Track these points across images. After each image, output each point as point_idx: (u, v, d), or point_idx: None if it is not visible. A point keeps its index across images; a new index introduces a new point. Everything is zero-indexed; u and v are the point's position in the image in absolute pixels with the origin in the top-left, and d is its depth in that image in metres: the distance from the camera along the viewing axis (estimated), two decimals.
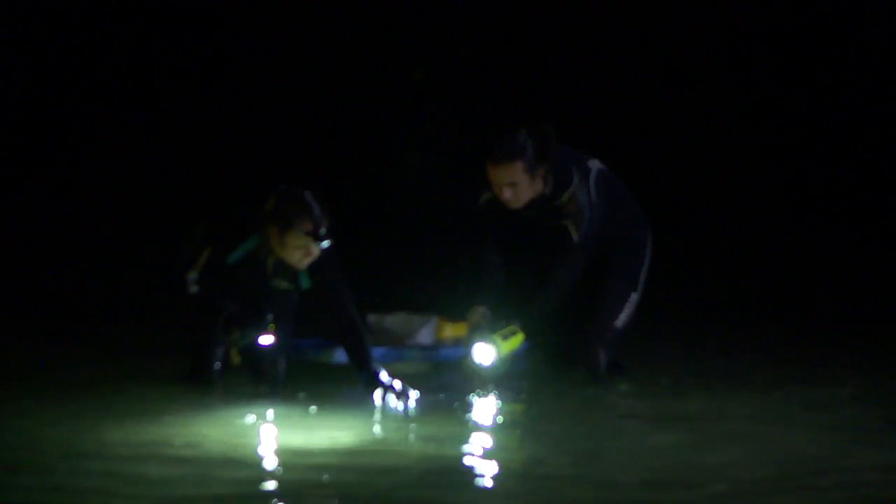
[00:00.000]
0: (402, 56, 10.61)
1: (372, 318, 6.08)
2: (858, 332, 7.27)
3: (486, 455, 4.31)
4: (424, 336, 6.04)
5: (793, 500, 3.74)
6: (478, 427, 4.85)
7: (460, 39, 10.60)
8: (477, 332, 5.55)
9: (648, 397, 5.39)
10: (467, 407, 5.18)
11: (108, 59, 10.44)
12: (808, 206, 10.16)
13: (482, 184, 5.58)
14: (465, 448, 4.38)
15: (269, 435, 4.59)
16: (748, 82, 10.52)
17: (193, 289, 5.15)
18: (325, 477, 3.94)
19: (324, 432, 4.62)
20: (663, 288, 6.27)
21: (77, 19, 10.35)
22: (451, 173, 9.26)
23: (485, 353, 5.49)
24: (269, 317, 5.17)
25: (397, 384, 5.20)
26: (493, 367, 5.52)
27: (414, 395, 5.20)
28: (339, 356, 5.54)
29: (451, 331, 6.09)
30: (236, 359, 5.19)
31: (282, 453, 4.30)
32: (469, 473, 4.05)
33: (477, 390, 5.50)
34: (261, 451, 4.33)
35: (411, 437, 4.62)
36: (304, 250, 5.13)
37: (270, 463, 4.17)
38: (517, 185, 5.46)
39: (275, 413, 4.93)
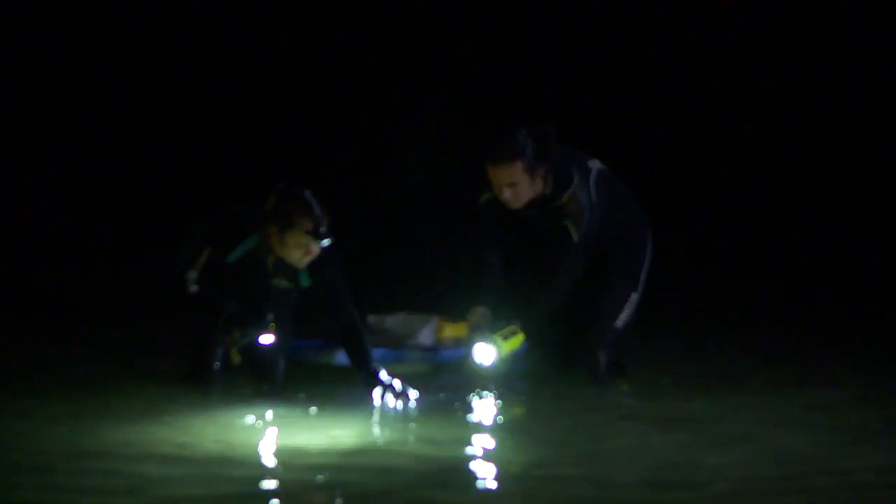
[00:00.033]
0: (402, 56, 10.61)
1: (372, 318, 6.08)
2: (858, 333, 7.26)
3: (487, 456, 4.31)
4: (425, 337, 6.04)
5: (793, 501, 3.74)
6: (478, 428, 4.84)
7: (460, 39, 10.60)
8: (477, 332, 5.55)
9: (649, 398, 5.38)
10: (467, 407, 5.18)
11: (108, 59, 10.44)
12: (807, 205, 10.15)
13: (482, 184, 5.58)
14: (466, 449, 4.38)
15: (269, 435, 4.59)
16: (748, 82, 10.52)
17: (193, 288, 5.15)
18: (320, 477, 3.94)
19: (323, 433, 4.62)
20: (663, 288, 6.26)
21: (76, 19, 10.35)
22: (451, 173, 9.25)
23: (485, 354, 5.49)
24: (270, 316, 5.17)
25: (397, 384, 5.20)
26: (494, 367, 5.52)
27: (413, 394, 5.20)
28: (340, 358, 5.54)
29: (451, 331, 6.09)
30: (236, 358, 5.18)
31: (281, 453, 4.30)
32: (469, 474, 4.04)
33: (477, 390, 5.50)
34: (260, 451, 4.33)
35: (411, 437, 4.62)
36: (305, 249, 5.12)
37: (270, 463, 4.17)
38: (517, 185, 5.46)
39: (275, 413, 4.93)
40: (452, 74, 10.51)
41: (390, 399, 5.16)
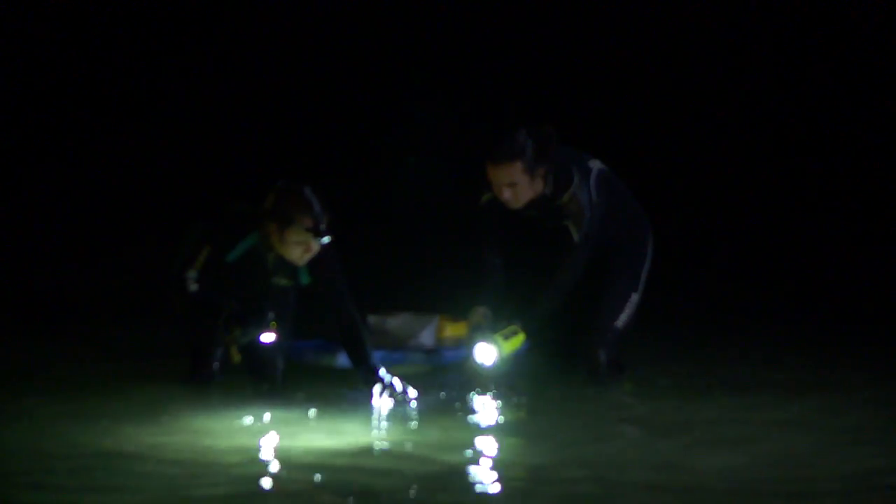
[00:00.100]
0: (402, 56, 10.61)
1: (372, 319, 6.08)
2: (859, 333, 7.26)
3: (487, 457, 4.30)
4: (426, 337, 6.04)
5: None
6: (478, 428, 4.84)
7: (460, 39, 10.60)
8: (478, 332, 5.55)
9: (649, 398, 5.38)
10: (468, 407, 5.18)
11: (108, 59, 10.44)
12: (809, 206, 10.15)
13: (483, 184, 5.58)
14: (466, 450, 4.37)
15: (269, 436, 4.58)
16: (748, 82, 10.51)
17: (193, 287, 5.15)
18: (319, 478, 3.94)
19: (323, 433, 4.61)
20: (664, 288, 6.26)
21: (76, 18, 10.35)
22: (451, 173, 9.25)
23: (486, 353, 5.49)
24: (271, 315, 5.17)
25: (396, 383, 5.20)
26: (495, 367, 5.52)
27: (413, 393, 5.20)
28: (342, 360, 5.54)
29: (451, 330, 6.10)
30: (236, 357, 5.18)
31: (281, 454, 4.30)
32: (470, 476, 4.04)
33: (477, 389, 5.50)
34: (260, 451, 4.33)
35: (411, 438, 4.61)
36: (305, 246, 5.12)
37: (270, 464, 4.17)
38: (517, 186, 5.46)
39: (274, 414, 4.93)
40: (452, 74, 10.51)
41: (391, 396, 5.16)
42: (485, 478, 4.00)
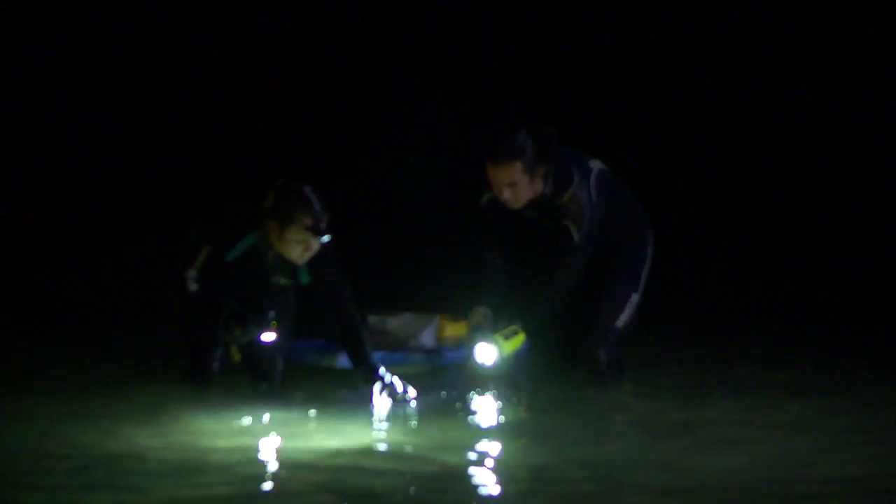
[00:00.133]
0: (402, 55, 10.61)
1: (373, 319, 6.08)
2: (860, 334, 7.24)
3: (488, 458, 4.30)
4: (426, 338, 6.04)
5: None
6: (479, 429, 4.84)
7: (460, 39, 10.60)
8: (479, 332, 5.55)
9: (649, 399, 5.37)
10: (468, 407, 5.18)
11: (108, 59, 10.44)
12: (809, 206, 10.14)
13: (483, 184, 5.58)
14: (467, 451, 4.37)
15: (269, 436, 4.58)
16: (749, 82, 10.51)
17: (193, 287, 5.14)
18: (320, 479, 3.94)
19: (323, 434, 4.61)
20: (664, 289, 6.26)
21: (76, 18, 10.35)
22: (451, 173, 9.25)
23: (487, 353, 5.49)
24: (271, 314, 5.16)
25: (396, 382, 5.19)
26: (495, 367, 5.52)
27: (412, 393, 5.19)
28: (342, 360, 5.53)
29: (452, 330, 6.10)
30: (236, 356, 5.18)
31: (281, 455, 4.30)
32: (471, 477, 4.04)
33: (477, 389, 5.50)
34: (260, 452, 4.33)
35: (411, 439, 4.61)
36: (304, 245, 5.12)
37: (270, 464, 4.17)
38: (516, 186, 5.46)
39: (274, 414, 4.92)
40: (452, 74, 10.51)
41: (390, 395, 5.15)
42: (486, 478, 4.00)
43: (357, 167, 10.28)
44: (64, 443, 4.40)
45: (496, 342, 5.47)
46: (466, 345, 5.64)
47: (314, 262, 5.21)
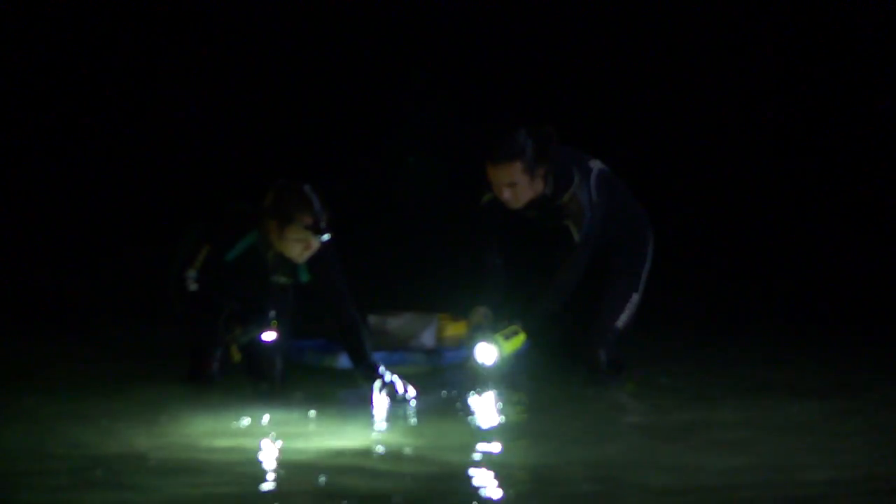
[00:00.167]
0: (402, 55, 10.61)
1: (373, 319, 6.08)
2: (867, 334, 7.24)
3: (488, 460, 4.30)
4: (427, 338, 6.04)
5: None
6: (480, 430, 4.84)
7: (460, 38, 10.60)
8: (479, 332, 5.55)
9: (649, 399, 5.37)
10: (469, 408, 5.17)
11: (108, 59, 10.44)
12: (809, 206, 10.14)
13: (484, 184, 5.58)
14: (468, 451, 4.37)
15: (269, 437, 4.58)
16: (749, 82, 10.51)
17: (193, 287, 5.14)
18: (321, 480, 3.93)
19: (324, 434, 4.61)
20: (664, 289, 6.26)
21: (76, 17, 10.35)
22: (451, 173, 9.25)
23: (487, 353, 5.49)
24: (272, 313, 5.16)
25: (396, 380, 5.18)
26: (495, 367, 5.52)
27: (412, 392, 5.18)
28: (343, 360, 5.53)
29: (452, 329, 6.10)
30: (237, 356, 5.17)
31: (281, 456, 4.29)
32: (472, 478, 4.03)
33: (478, 389, 5.50)
34: (260, 452, 4.32)
35: (412, 439, 4.60)
36: (304, 244, 5.12)
37: (270, 465, 4.16)
38: (516, 186, 5.45)
39: (274, 415, 4.92)
40: (452, 74, 10.51)
41: (390, 394, 5.14)
42: (486, 479, 3.99)
43: (357, 167, 10.28)
44: (64, 443, 4.40)
45: (496, 342, 5.47)
46: (466, 345, 5.64)
47: (314, 261, 5.21)
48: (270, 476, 4.00)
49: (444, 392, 5.41)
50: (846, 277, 9.08)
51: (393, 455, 4.29)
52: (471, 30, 10.66)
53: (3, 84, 10.15)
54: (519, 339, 5.52)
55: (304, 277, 5.28)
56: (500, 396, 5.43)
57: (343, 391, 5.39)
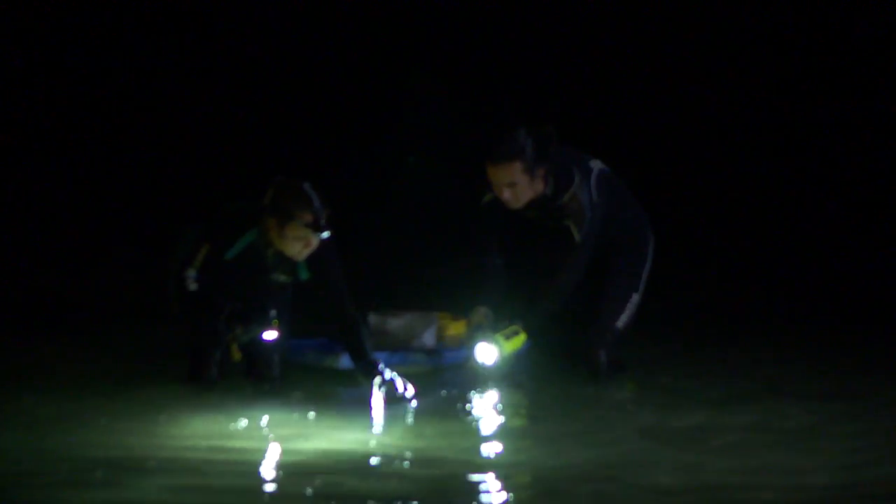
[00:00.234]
0: (402, 55, 10.61)
1: (373, 318, 6.08)
2: (868, 335, 7.22)
3: (489, 459, 4.30)
4: (428, 338, 6.04)
5: None
6: (480, 430, 4.83)
7: (461, 38, 10.60)
8: (479, 332, 5.56)
9: (649, 399, 5.36)
10: (469, 408, 5.17)
11: (109, 59, 10.44)
12: (816, 206, 10.13)
13: (484, 185, 5.58)
14: (468, 452, 4.36)
15: (268, 438, 4.58)
16: (749, 82, 10.51)
17: (193, 286, 5.14)
18: (319, 481, 3.93)
19: (324, 436, 4.60)
20: (665, 289, 6.26)
21: (75, 17, 10.35)
22: (451, 173, 9.25)
23: (487, 353, 5.49)
24: (273, 312, 5.15)
25: (396, 378, 5.18)
26: (496, 366, 5.52)
27: (411, 391, 5.17)
28: (344, 361, 5.53)
29: (452, 329, 6.11)
30: (237, 355, 5.17)
31: (280, 457, 4.29)
32: (472, 479, 4.03)
33: (478, 388, 5.50)
34: (259, 454, 4.32)
35: (412, 440, 4.60)
36: (304, 242, 5.11)
37: (269, 466, 4.16)
38: (516, 186, 5.46)
39: (274, 416, 4.92)
40: (453, 74, 10.51)
41: (389, 393, 5.13)
42: (486, 480, 3.99)
43: (357, 167, 10.27)
44: (64, 443, 4.40)
45: (497, 342, 5.48)
46: (467, 344, 5.65)
47: (313, 259, 5.21)
48: (270, 477, 4.00)
49: (443, 392, 5.41)
50: (847, 278, 9.07)
51: (392, 456, 4.29)
52: (471, 30, 10.66)
53: (3, 84, 10.15)
54: (519, 339, 5.52)
55: (304, 275, 5.27)
56: (500, 397, 5.43)
57: (343, 391, 5.39)
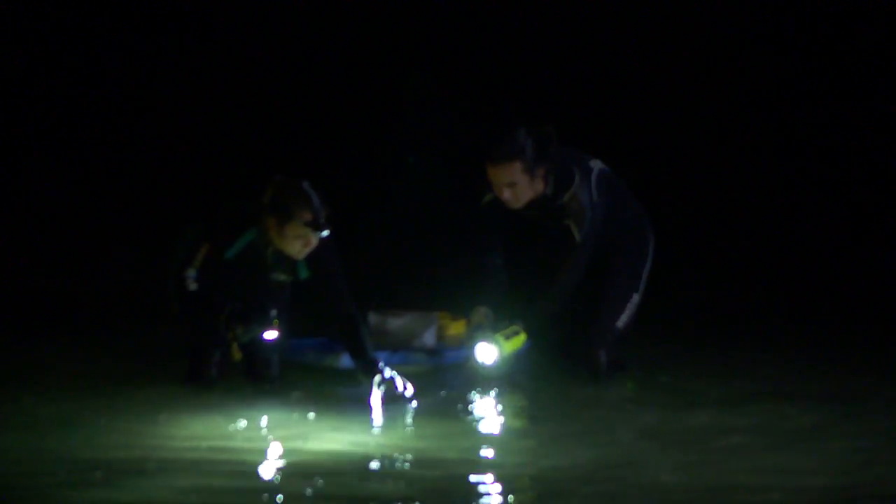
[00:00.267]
0: (402, 55, 10.61)
1: (373, 317, 6.07)
2: (869, 336, 7.22)
3: (489, 460, 4.30)
4: (428, 338, 6.04)
5: None
6: (480, 432, 4.83)
7: (461, 38, 10.60)
8: (479, 331, 5.55)
9: (650, 399, 5.36)
10: (469, 408, 5.17)
11: (109, 59, 10.44)
12: (816, 206, 10.13)
13: (485, 185, 5.58)
14: (468, 453, 4.36)
15: (268, 438, 4.58)
16: (749, 82, 10.51)
17: (192, 286, 5.13)
18: (321, 482, 3.93)
19: (324, 436, 4.60)
20: (665, 289, 6.25)
21: (75, 17, 10.35)
22: (451, 173, 9.24)
23: (487, 353, 5.49)
24: (274, 312, 5.15)
25: (396, 377, 5.17)
26: (496, 366, 5.52)
27: (411, 390, 5.17)
28: (345, 360, 5.53)
29: (453, 329, 6.10)
30: (237, 355, 5.16)
31: (280, 457, 4.29)
32: (472, 479, 4.03)
33: (478, 388, 5.50)
34: (259, 453, 4.32)
35: (412, 440, 4.60)
36: (304, 240, 5.11)
37: (268, 467, 4.16)
38: (516, 186, 5.46)
39: (274, 416, 4.91)
40: (453, 74, 10.51)
41: (389, 391, 5.13)
42: (486, 481, 3.99)
43: (357, 167, 10.27)
44: (63, 443, 4.40)
45: (497, 342, 5.47)
46: (467, 344, 5.65)
47: (312, 257, 5.21)
48: (269, 478, 4.00)
49: (443, 392, 5.41)
50: (847, 278, 9.07)
51: (392, 457, 4.29)
52: (471, 30, 10.66)
53: (4, 84, 10.15)
54: (519, 339, 5.52)
55: (304, 274, 5.27)
56: (500, 397, 5.42)
57: (344, 390, 5.39)
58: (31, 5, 10.22)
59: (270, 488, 3.87)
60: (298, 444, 4.43)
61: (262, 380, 5.41)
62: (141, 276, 8.21)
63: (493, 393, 5.47)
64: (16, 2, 10.15)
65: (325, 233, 5.09)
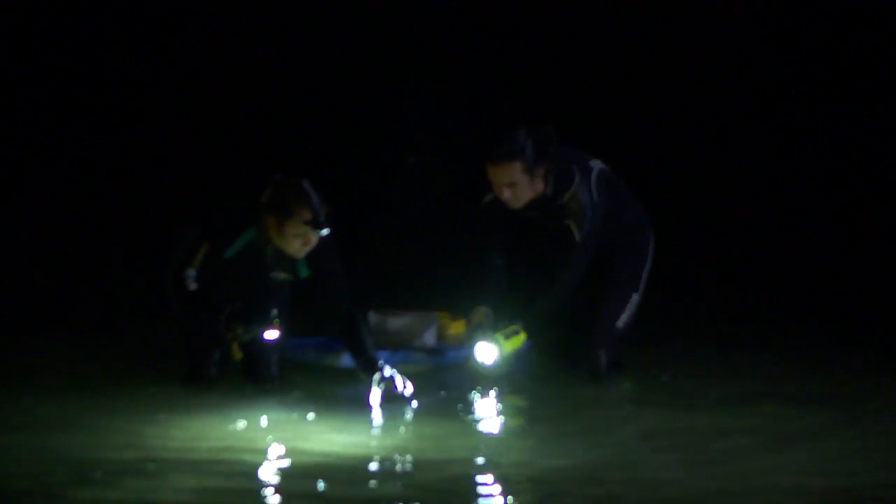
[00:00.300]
0: (402, 55, 10.61)
1: (373, 317, 6.07)
2: (870, 335, 7.21)
3: (489, 460, 4.29)
4: (428, 338, 6.04)
5: None
6: (480, 432, 4.83)
7: (461, 38, 10.60)
8: (479, 331, 5.55)
9: (650, 400, 5.36)
10: (469, 409, 5.17)
11: (108, 57, 10.43)
12: (817, 206, 10.13)
13: (485, 185, 5.58)
14: (468, 453, 4.36)
15: (268, 439, 4.57)
16: (749, 82, 10.51)
17: (192, 286, 5.13)
18: (321, 483, 3.93)
19: (323, 437, 4.60)
20: (665, 290, 6.25)
21: (75, 17, 10.34)
22: (452, 173, 9.24)
23: (487, 353, 5.49)
24: (274, 311, 5.15)
25: (396, 375, 5.16)
26: (496, 366, 5.52)
27: (410, 388, 5.16)
28: (345, 360, 5.53)
29: (453, 328, 6.10)
30: (237, 355, 5.16)
31: (280, 457, 4.29)
32: (472, 480, 4.03)
33: (478, 388, 5.50)
34: (259, 455, 4.31)
35: (413, 441, 4.60)
36: (303, 239, 5.10)
37: (268, 467, 4.16)
38: (516, 186, 5.46)
39: (273, 416, 4.91)
40: (453, 74, 10.51)
41: (388, 390, 5.12)
42: (486, 481, 3.99)
43: (357, 167, 10.27)
44: (63, 442, 4.39)
45: (497, 341, 5.47)
46: (467, 344, 5.64)
47: (312, 256, 5.20)
48: (269, 478, 3.99)
49: (443, 392, 5.41)
50: (847, 278, 9.06)
51: (392, 457, 4.29)
52: (470, 30, 10.66)
53: (4, 85, 10.15)
54: (519, 339, 5.52)
55: (304, 273, 5.26)
56: (500, 397, 5.42)
57: (344, 390, 5.38)
58: (31, 5, 10.22)
59: (270, 489, 3.87)
60: (298, 445, 4.43)
61: (262, 380, 5.40)
62: (141, 276, 8.20)
63: (493, 393, 5.47)
64: (16, 2, 10.14)
65: (325, 231, 5.09)
